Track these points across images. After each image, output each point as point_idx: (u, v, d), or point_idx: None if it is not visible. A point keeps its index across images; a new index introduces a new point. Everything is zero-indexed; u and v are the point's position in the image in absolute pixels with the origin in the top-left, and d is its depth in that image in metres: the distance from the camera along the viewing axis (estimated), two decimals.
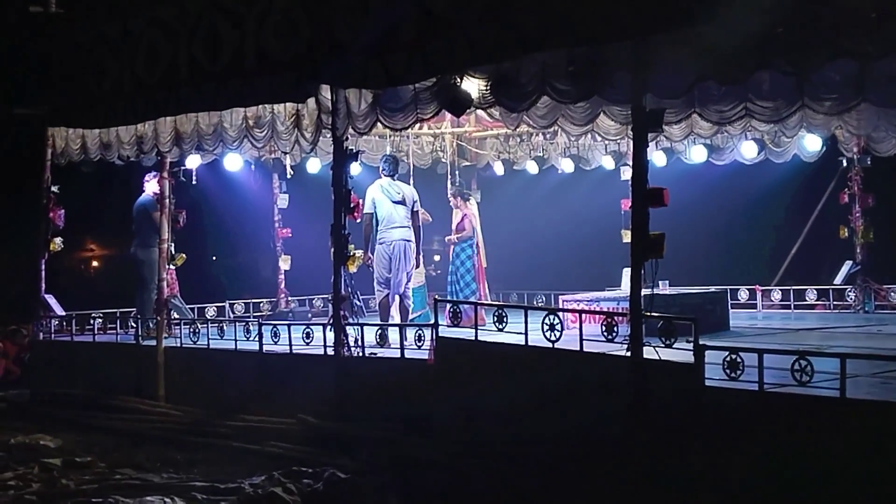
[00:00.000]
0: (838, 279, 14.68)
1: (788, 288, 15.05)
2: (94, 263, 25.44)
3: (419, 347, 10.29)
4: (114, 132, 13.38)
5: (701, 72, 8.43)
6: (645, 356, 8.36)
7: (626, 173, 13.12)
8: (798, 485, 7.21)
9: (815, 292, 14.81)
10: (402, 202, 12.20)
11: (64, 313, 14.26)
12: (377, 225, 12.10)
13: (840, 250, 14.87)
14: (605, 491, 8.01)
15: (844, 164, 14.27)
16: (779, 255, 16.61)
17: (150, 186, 13.69)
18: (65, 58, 13.89)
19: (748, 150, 13.94)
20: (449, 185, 14.74)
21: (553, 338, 9.18)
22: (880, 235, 14.40)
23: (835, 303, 14.60)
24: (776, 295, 15.16)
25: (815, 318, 13.83)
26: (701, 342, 7.95)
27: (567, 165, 15.72)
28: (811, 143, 13.66)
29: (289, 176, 15.63)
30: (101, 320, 13.91)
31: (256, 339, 11.62)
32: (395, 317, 12.22)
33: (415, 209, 12.32)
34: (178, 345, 12.56)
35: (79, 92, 13.60)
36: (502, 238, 15.25)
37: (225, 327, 12.30)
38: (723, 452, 7.63)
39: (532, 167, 16.05)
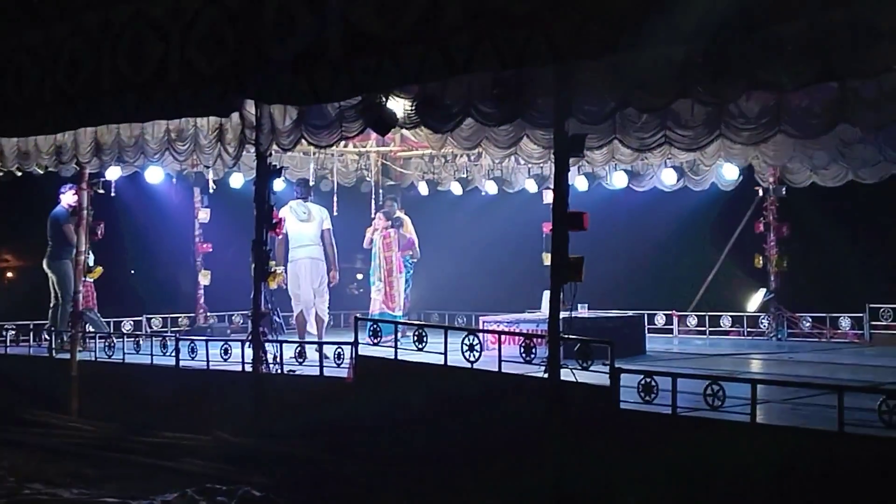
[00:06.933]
0: (752, 306, 14.97)
1: (704, 314, 15.29)
2: (9, 274, 24.92)
3: (338, 365, 10.26)
4: (32, 141, 13.12)
5: (622, 98, 8.58)
6: (562, 378, 8.43)
7: (548, 197, 13.24)
8: None
9: (730, 319, 15.06)
10: (308, 221, 12.65)
11: None
12: (288, 244, 12.54)
13: (755, 278, 15.17)
14: None
15: (760, 193, 14.60)
16: (695, 281, 16.86)
17: (66, 198, 13.48)
18: None
19: (668, 177, 14.24)
20: (375, 206, 14.81)
21: (472, 358, 9.23)
22: (794, 264, 14.71)
23: (748, 329, 14.85)
24: (692, 320, 15.37)
25: (729, 344, 14.06)
26: (617, 365, 8.06)
27: (491, 187, 15.84)
28: (729, 172, 13.97)
29: (211, 190, 15.50)
30: (13, 332, 13.62)
31: (173, 354, 11.48)
32: (313, 331, 12.29)
33: (324, 227, 12.75)
34: (93, 359, 12.35)
35: None
36: (425, 258, 15.26)
37: (141, 342, 12.16)
38: (636, 474, 7.71)
39: (456, 188, 16.13)
